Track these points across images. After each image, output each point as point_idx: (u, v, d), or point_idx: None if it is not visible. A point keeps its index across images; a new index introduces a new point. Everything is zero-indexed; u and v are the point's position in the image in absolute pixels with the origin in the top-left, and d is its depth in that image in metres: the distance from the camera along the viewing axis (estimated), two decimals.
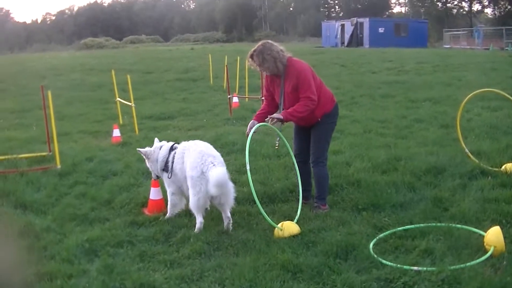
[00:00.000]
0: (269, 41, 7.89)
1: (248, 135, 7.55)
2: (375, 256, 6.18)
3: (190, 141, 7.86)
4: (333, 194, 8.50)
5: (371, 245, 6.48)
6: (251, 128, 7.71)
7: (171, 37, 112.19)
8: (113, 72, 17.52)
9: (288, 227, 7.01)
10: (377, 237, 6.73)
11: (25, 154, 11.91)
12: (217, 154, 7.52)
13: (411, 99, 19.33)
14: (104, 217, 8.01)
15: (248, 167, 6.97)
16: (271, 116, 7.68)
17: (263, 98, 8.28)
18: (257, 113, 8.05)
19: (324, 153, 7.99)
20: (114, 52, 64.97)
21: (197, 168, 7.19)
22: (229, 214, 7.27)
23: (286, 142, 8.19)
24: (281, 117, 7.62)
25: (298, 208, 7.71)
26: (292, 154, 8.33)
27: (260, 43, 7.81)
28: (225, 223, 7.25)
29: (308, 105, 7.58)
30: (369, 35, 66.38)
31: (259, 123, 7.77)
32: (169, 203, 7.92)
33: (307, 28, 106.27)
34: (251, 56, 7.76)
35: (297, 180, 8.13)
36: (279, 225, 7.01)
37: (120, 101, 16.43)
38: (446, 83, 23.76)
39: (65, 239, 7.12)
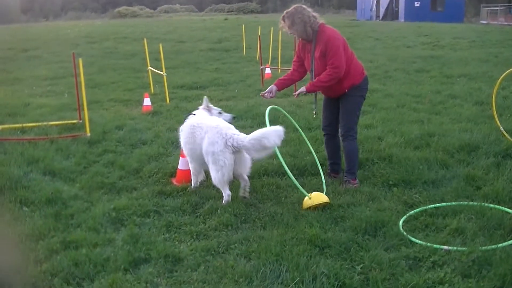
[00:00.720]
0: (303, 5, 7.80)
1: (263, 96, 7.84)
2: (405, 233, 6.08)
3: (196, 118, 7.76)
4: (363, 169, 8.39)
5: (401, 222, 6.37)
6: (269, 92, 7.79)
7: (205, 7, 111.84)
8: (145, 41, 17.47)
9: (317, 196, 6.96)
10: (407, 214, 6.63)
11: (56, 121, 11.93)
12: (231, 126, 7.42)
13: (446, 74, 19.04)
14: (131, 186, 8.00)
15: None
16: (295, 93, 7.85)
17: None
18: (280, 78, 8.02)
19: (353, 126, 7.87)
20: (147, 21, 65.03)
21: (218, 143, 7.06)
22: (246, 177, 7.32)
23: (292, 119, 8.26)
24: (304, 90, 7.71)
25: (327, 182, 7.69)
26: (299, 128, 8.51)
27: (293, 6, 7.75)
28: (242, 185, 7.30)
29: (332, 75, 7.47)
30: (404, 9, 65.69)
31: (278, 89, 7.85)
32: (191, 172, 7.87)
33: (342, 1, 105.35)
34: (283, 18, 7.72)
35: (313, 153, 8.29)
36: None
37: (152, 70, 16.39)
38: (482, 59, 23.37)
39: (92, 207, 7.12)
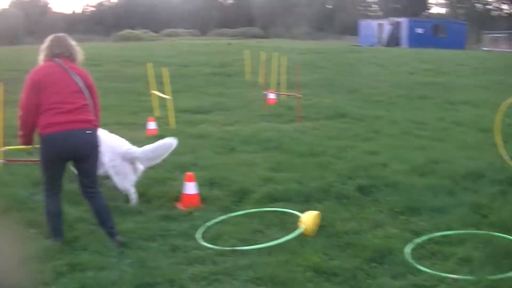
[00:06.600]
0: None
1: None
2: (412, 261, 6.06)
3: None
4: (370, 195, 8.39)
5: (407, 249, 6.36)
6: None
7: (208, 31, 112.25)
8: (148, 66, 17.51)
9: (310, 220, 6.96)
10: (414, 242, 6.61)
11: None
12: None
13: (449, 101, 19.08)
14: (137, 210, 7.98)
15: None
16: None
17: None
18: None
19: (42, 183, 6.82)
20: (151, 45, 65.19)
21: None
22: None
23: None
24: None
25: (333, 209, 7.65)
26: None
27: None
28: None
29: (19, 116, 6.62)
30: (407, 35, 65.89)
31: None
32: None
33: (344, 26, 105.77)
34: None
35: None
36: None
37: (155, 94, 16.41)
38: (485, 86, 23.46)
39: (97, 230, 7.07)
